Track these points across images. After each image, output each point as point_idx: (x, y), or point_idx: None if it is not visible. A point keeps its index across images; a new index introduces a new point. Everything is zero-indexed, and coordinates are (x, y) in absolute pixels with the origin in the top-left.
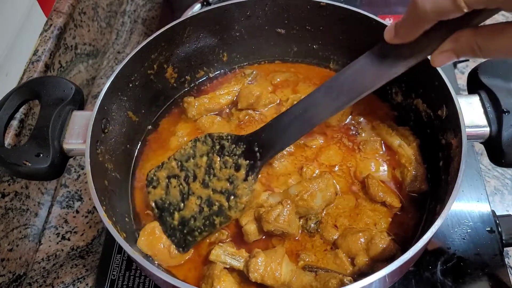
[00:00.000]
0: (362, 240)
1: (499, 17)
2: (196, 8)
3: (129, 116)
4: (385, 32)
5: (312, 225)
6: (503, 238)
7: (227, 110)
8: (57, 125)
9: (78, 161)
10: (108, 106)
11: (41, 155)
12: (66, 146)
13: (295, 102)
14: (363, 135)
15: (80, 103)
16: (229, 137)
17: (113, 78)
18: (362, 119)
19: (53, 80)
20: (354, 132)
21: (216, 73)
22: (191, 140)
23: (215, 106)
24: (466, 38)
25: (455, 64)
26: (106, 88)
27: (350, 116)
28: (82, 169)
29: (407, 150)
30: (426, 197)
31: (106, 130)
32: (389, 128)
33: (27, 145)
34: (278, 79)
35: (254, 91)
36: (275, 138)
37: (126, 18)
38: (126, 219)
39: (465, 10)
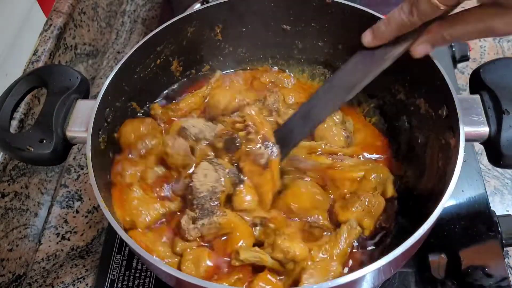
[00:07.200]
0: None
1: None
2: (196, 8)
3: (133, 106)
4: (362, 37)
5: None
6: (503, 238)
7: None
8: (61, 112)
9: (78, 161)
10: (112, 96)
11: (44, 141)
12: (69, 133)
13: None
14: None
15: (85, 92)
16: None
17: (116, 70)
18: None
19: (60, 69)
20: None
21: (221, 67)
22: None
23: (182, 112)
24: (436, 29)
25: (455, 64)
26: (110, 79)
27: None
28: (82, 169)
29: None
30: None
31: (109, 119)
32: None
33: (31, 131)
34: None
35: (221, 99)
36: (286, 138)
37: (126, 18)
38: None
39: (442, 9)
